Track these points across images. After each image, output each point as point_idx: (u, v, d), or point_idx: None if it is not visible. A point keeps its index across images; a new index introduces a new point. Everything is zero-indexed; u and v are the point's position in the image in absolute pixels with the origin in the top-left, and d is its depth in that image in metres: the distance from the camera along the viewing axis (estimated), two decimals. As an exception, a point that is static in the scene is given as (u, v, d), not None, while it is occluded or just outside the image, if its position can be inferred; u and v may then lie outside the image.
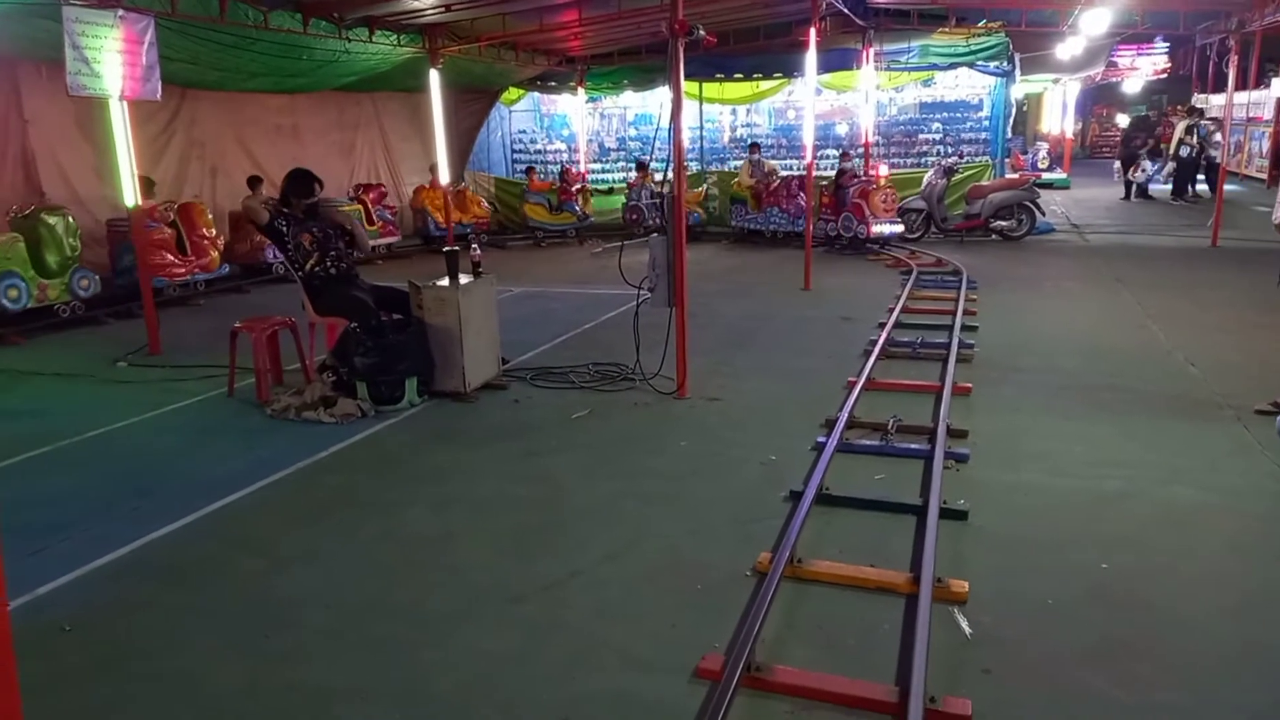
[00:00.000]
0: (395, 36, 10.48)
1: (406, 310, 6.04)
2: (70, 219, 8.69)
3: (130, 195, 7.39)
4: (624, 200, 14.23)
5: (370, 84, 12.20)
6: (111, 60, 6.77)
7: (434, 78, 11.21)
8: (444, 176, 12.04)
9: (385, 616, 3.31)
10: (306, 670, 2.99)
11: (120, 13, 6.78)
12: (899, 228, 12.00)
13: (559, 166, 16.06)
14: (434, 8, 9.70)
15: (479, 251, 6.44)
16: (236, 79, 10.25)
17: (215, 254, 10.10)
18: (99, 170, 9.25)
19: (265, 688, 2.90)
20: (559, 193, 14.29)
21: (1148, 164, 17.98)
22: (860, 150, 13.55)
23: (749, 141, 14.89)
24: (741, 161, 14.54)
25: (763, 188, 13.33)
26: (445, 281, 5.98)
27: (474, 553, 3.81)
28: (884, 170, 12.65)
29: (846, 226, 12.17)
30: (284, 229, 5.89)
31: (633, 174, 14.48)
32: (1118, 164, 19.61)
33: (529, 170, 15.26)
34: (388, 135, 14.01)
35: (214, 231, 10.16)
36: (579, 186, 14.36)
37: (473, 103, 14.74)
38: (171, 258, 9.58)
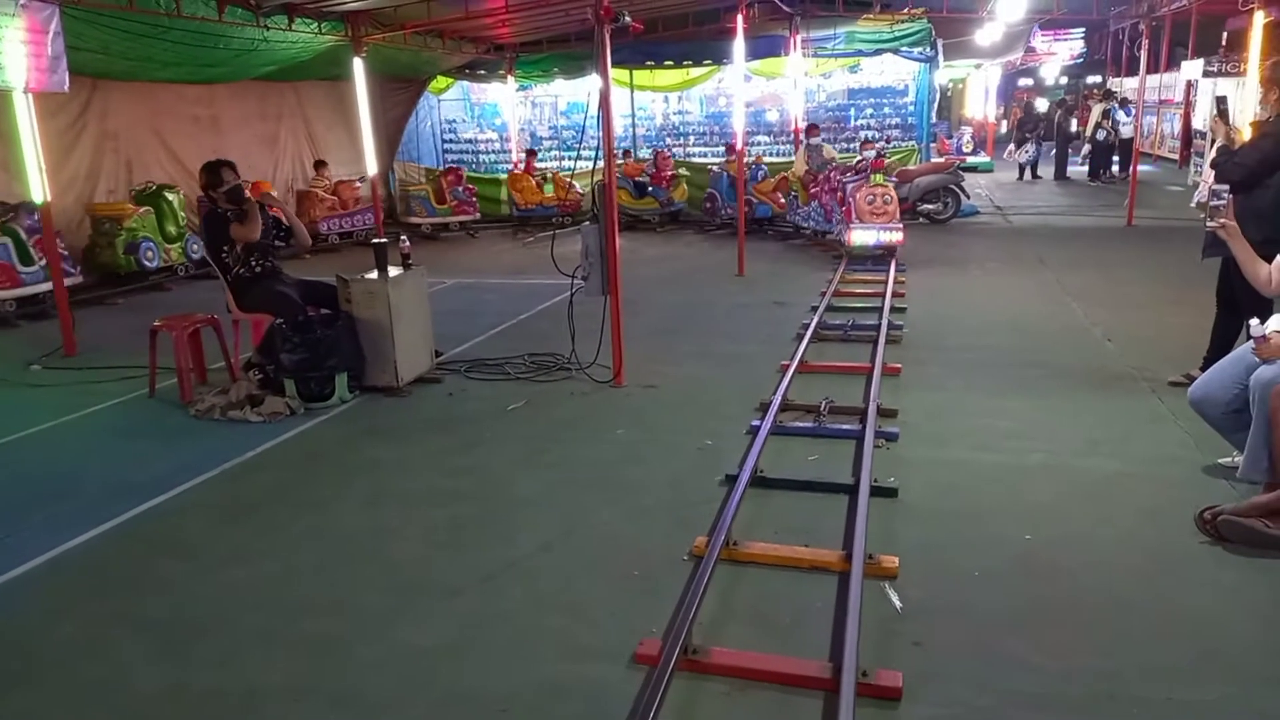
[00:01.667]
0: (316, 24, 10.22)
1: (335, 304, 5.93)
2: (182, 195, 10.63)
3: (39, 191, 7.09)
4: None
5: (292, 73, 11.88)
6: (14, 51, 6.47)
7: (358, 66, 10.96)
8: (371, 167, 11.80)
9: (317, 615, 3.25)
10: (236, 673, 2.92)
11: (22, 1, 6.48)
12: (896, 236, 9.58)
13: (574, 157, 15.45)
14: (355, -6, 9.49)
15: (407, 243, 6.34)
16: (149, 69, 9.89)
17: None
18: (6, 164, 8.83)
19: (192, 692, 2.83)
20: (651, 177, 13.65)
21: (1030, 146, 18.80)
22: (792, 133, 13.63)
23: (807, 123, 13.43)
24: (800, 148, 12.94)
25: (810, 179, 11.61)
26: (374, 274, 5.87)
27: (408, 547, 3.77)
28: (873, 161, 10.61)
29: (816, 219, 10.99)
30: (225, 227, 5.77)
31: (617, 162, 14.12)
32: (1011, 145, 20.18)
33: (625, 153, 14.42)
34: (312, 125, 13.66)
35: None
36: (671, 173, 13.74)
37: (400, 91, 14.47)
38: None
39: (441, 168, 15.23)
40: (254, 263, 5.89)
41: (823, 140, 12.99)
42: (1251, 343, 3.78)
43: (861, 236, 9.59)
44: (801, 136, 13.07)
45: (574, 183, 13.76)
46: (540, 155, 16.05)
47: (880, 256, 9.65)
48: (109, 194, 10.31)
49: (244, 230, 5.75)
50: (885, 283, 8.29)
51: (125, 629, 3.20)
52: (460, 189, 13.90)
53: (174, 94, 11.15)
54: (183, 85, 11.09)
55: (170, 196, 10.44)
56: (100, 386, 6.20)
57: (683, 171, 14.23)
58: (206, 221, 5.92)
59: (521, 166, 14.75)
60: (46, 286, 8.34)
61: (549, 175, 14.42)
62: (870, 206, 9.62)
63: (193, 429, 5.34)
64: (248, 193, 5.93)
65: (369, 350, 5.78)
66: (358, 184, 13.24)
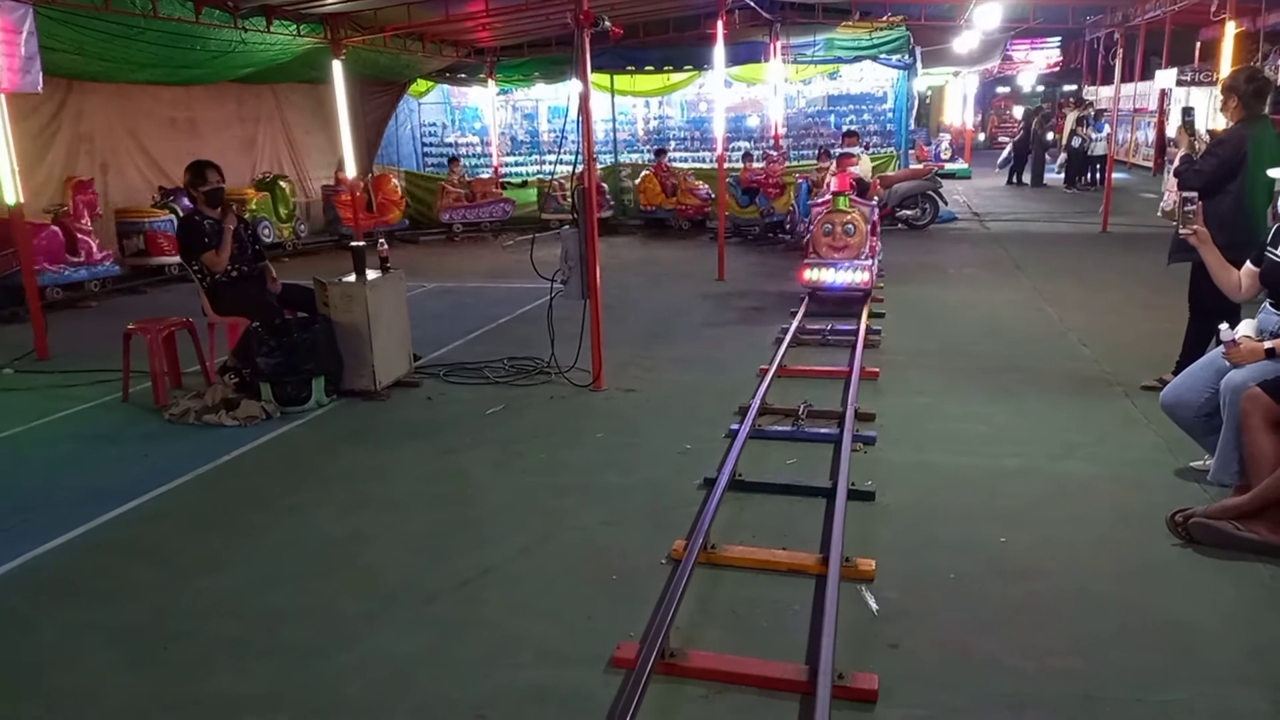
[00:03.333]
0: (295, 26, 10.16)
1: (312, 308, 5.89)
2: (292, 182, 12.75)
3: (10, 193, 7.00)
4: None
5: (271, 75, 11.82)
6: (-14, 51, 6.40)
7: (337, 69, 10.91)
8: (350, 170, 11.74)
9: (294, 622, 3.22)
10: (211, 681, 2.89)
11: (-6, 0, 6.42)
12: (860, 276, 7.68)
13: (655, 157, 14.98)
14: (334, -3, 9.45)
15: (385, 246, 6.31)
16: (125, 70, 9.81)
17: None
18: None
19: (166, 701, 2.79)
20: (758, 183, 12.72)
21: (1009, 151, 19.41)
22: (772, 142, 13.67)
23: (846, 129, 12.91)
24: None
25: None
26: (352, 278, 5.84)
27: (386, 553, 3.74)
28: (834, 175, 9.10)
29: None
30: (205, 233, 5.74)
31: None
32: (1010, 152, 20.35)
33: (745, 156, 13.55)
34: (291, 128, 13.58)
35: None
36: (780, 180, 12.70)
37: (380, 94, 14.41)
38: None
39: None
40: (230, 267, 5.85)
41: (859, 151, 11.18)
42: (1222, 348, 3.83)
43: (815, 275, 7.76)
44: (832, 148, 11.98)
45: (702, 184, 13.43)
46: (518, 159, 16.02)
47: (848, 301, 7.80)
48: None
49: (214, 259, 5.77)
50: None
51: (97, 638, 3.16)
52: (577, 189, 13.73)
53: (150, 96, 11.06)
54: (159, 87, 11.00)
55: (283, 184, 12.36)
56: (73, 390, 6.12)
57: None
58: (183, 228, 5.87)
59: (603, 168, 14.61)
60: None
61: (680, 177, 13.82)
62: (828, 238, 7.83)
63: (167, 433, 5.29)
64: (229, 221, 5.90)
65: (347, 354, 5.74)
66: (491, 177, 14.12)
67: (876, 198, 9.13)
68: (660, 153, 14.37)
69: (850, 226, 7.82)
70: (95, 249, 9.53)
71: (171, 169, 10.98)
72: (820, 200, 8.28)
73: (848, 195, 8.01)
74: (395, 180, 14.03)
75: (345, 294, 5.75)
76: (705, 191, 13.38)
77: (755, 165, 13.09)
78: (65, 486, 4.54)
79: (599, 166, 15.00)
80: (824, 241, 7.87)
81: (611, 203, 14.35)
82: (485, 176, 14.84)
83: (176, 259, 9.91)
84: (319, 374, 5.60)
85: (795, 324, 7.02)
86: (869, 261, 7.76)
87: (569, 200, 13.25)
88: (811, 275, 7.79)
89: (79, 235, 9.40)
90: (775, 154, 13.24)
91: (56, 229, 9.19)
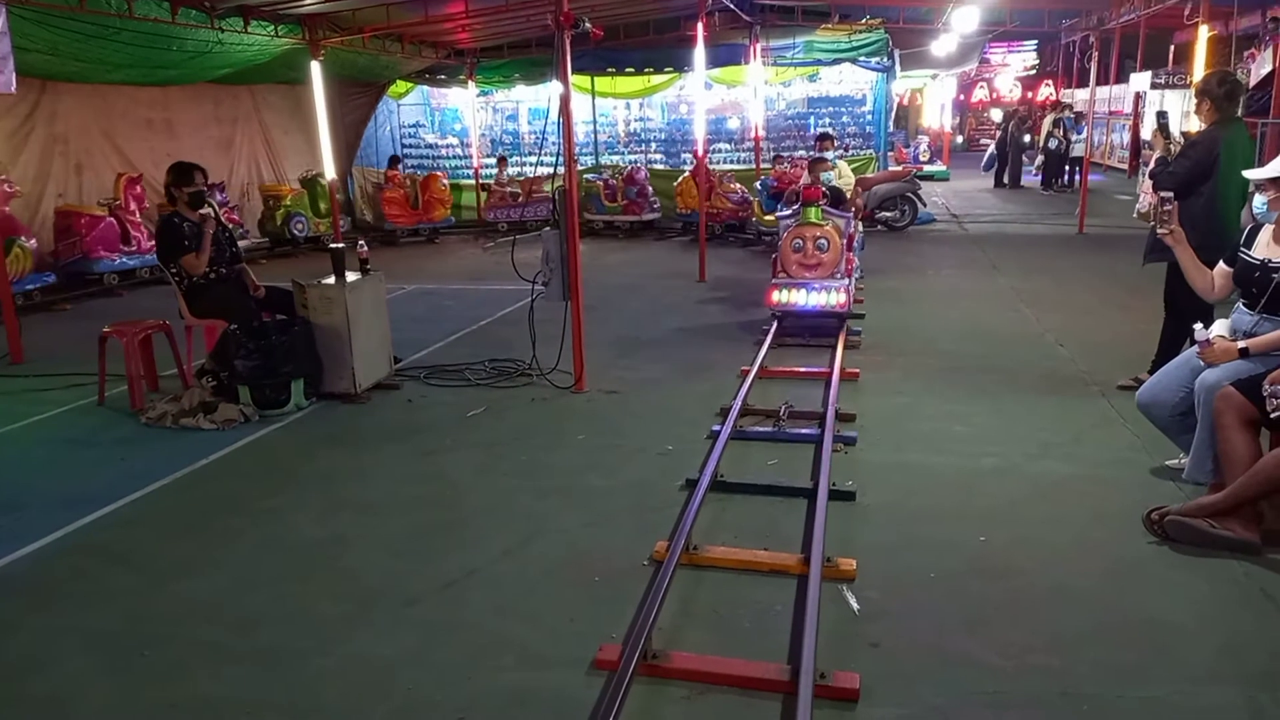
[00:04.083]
0: (272, 27, 10.09)
1: (291, 310, 5.85)
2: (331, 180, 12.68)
3: None
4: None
5: (248, 76, 11.72)
6: (-43, 50, 6.31)
7: (315, 70, 10.84)
8: (329, 170, 11.67)
9: (273, 626, 3.20)
10: (188, 686, 2.86)
11: (-34, -1, 6.33)
12: (836, 298, 6.77)
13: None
14: (312, -3, 9.39)
15: (365, 248, 6.28)
16: (100, 70, 9.70)
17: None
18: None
19: (143, 706, 2.77)
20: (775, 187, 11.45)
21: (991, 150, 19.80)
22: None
23: (821, 132, 11.86)
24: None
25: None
26: (331, 280, 5.81)
27: (366, 556, 3.72)
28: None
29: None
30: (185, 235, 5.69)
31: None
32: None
33: (777, 159, 13.15)
34: (269, 129, 13.47)
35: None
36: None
37: (358, 96, 14.32)
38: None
39: (628, 165, 14.70)
40: (207, 269, 5.80)
41: (834, 156, 9.87)
42: (1196, 347, 3.88)
43: (785, 297, 6.86)
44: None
45: (738, 187, 12.73)
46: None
47: (822, 327, 6.92)
48: (58, 197, 10.07)
49: (194, 261, 5.74)
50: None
51: (74, 643, 3.13)
52: (634, 189, 13.44)
53: (126, 96, 10.93)
54: (135, 88, 10.88)
55: (324, 182, 12.56)
56: (48, 394, 6.05)
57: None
58: (162, 229, 5.81)
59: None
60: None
61: (721, 179, 13.00)
62: (798, 255, 6.92)
63: (144, 437, 5.23)
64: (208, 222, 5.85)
65: (326, 356, 5.71)
66: (542, 177, 14.09)
67: (854, 210, 8.20)
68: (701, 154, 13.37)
69: (823, 242, 6.92)
70: (145, 239, 10.20)
71: (148, 170, 10.86)
72: (787, 212, 7.43)
73: (819, 206, 7.10)
74: (444, 180, 14.10)
75: (324, 296, 5.72)
76: (740, 194, 12.69)
77: (787, 169, 11.89)
78: (40, 491, 4.47)
79: (610, 166, 15.05)
80: (793, 259, 6.95)
81: (656, 205, 13.66)
82: (534, 175, 14.60)
83: None
84: (298, 377, 5.56)
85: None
86: (845, 281, 6.89)
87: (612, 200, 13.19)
88: (780, 297, 6.88)
89: (130, 226, 10.18)
90: (799, 157, 12.54)
91: (113, 220, 9.96)
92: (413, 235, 14.03)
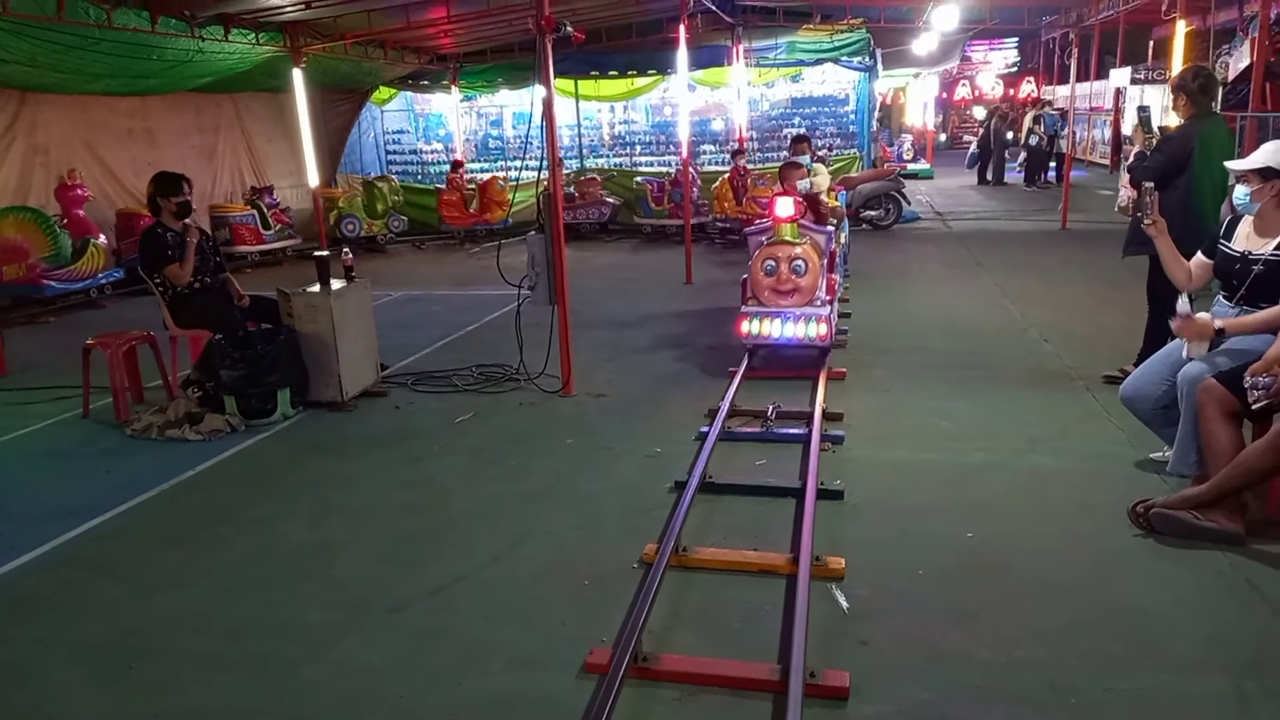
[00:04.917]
0: (253, 35, 10.04)
1: (276, 319, 5.83)
2: (394, 182, 14.19)
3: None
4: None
5: (230, 84, 11.65)
6: (-66, 62, 6.27)
7: (297, 77, 10.80)
8: (312, 179, 11.63)
9: (261, 635, 3.18)
10: (176, 697, 2.84)
11: (-58, 10, 6.28)
12: (816, 330, 5.84)
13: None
14: (293, 5, 9.33)
15: (350, 256, 6.26)
16: (80, 81, 9.61)
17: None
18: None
19: (131, 718, 2.75)
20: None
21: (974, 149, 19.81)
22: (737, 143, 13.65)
23: (796, 134, 11.01)
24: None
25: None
26: (316, 287, 5.79)
27: (354, 563, 3.71)
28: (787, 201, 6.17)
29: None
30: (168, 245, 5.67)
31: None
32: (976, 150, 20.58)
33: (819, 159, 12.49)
34: (251, 138, 13.40)
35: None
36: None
37: (341, 102, 14.28)
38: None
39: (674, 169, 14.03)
40: (191, 279, 5.78)
41: (809, 160, 8.22)
42: (1180, 340, 3.91)
43: (756, 328, 5.93)
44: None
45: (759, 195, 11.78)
46: (483, 166, 15.86)
47: (799, 358, 6.15)
48: (43, 207, 9.99)
49: (178, 271, 5.74)
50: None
51: (61, 654, 3.11)
52: (680, 191, 12.41)
53: (106, 107, 10.86)
54: (116, 98, 10.80)
55: (381, 185, 13.64)
56: (32, 408, 6.00)
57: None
58: (146, 240, 5.78)
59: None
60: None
61: (753, 183, 12.29)
62: (771, 280, 5.91)
63: (129, 449, 5.20)
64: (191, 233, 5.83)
65: (312, 365, 5.68)
66: (597, 178, 14.07)
67: (833, 221, 7.18)
68: (737, 154, 12.76)
69: (800, 264, 5.85)
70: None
71: (130, 180, 10.80)
72: (757, 228, 6.43)
73: (794, 224, 6.01)
74: (501, 181, 13.91)
75: (309, 304, 5.69)
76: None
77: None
78: (26, 504, 4.45)
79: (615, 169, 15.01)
80: (765, 284, 5.92)
81: (705, 207, 12.76)
82: (590, 176, 14.23)
83: (257, 247, 12.05)
84: (284, 386, 5.54)
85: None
86: (825, 309, 5.88)
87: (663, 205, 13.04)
88: (751, 328, 5.93)
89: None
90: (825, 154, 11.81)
91: None
92: (446, 237, 14.10)
